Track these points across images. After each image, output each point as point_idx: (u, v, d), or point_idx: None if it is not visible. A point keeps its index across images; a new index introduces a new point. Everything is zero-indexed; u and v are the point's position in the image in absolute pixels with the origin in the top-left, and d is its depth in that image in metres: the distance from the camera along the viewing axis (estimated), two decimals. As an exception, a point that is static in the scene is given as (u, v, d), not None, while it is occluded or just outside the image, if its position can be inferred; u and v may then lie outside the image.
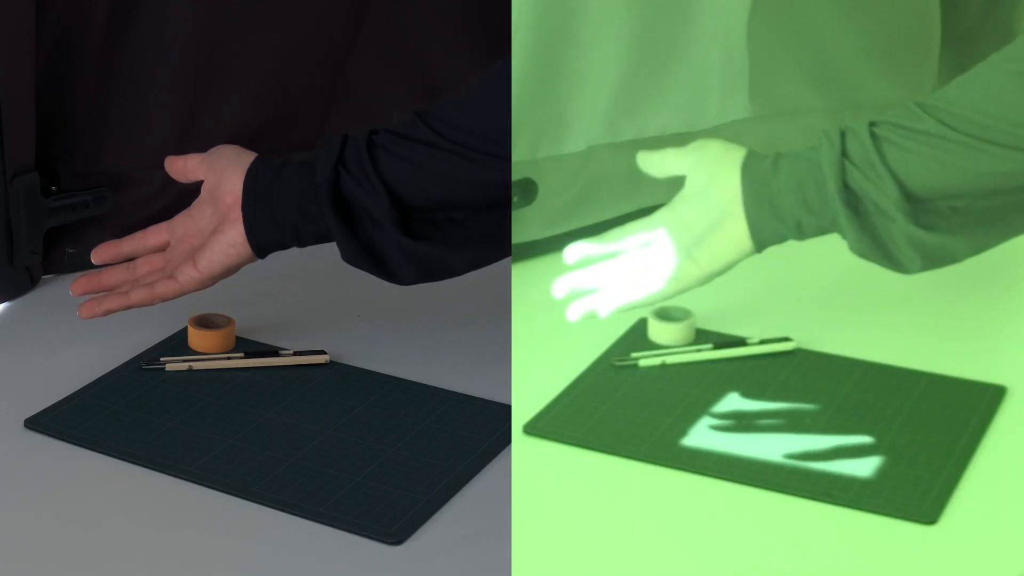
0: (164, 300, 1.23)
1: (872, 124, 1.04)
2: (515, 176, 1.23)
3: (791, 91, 1.37)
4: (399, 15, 1.52)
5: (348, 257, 1.19)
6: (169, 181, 1.44)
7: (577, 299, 1.10)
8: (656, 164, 1.13)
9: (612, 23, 1.24)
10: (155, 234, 1.27)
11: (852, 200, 1.04)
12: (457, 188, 1.18)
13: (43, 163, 1.38)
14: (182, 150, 1.45)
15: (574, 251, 1.11)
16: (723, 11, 1.28)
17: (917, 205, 1.03)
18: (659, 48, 1.27)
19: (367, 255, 1.19)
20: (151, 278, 1.24)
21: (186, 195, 1.28)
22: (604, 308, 1.10)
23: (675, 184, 1.29)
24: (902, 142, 1.03)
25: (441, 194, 1.18)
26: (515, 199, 1.24)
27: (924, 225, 1.03)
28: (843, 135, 1.04)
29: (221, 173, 1.23)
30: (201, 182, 1.26)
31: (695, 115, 1.31)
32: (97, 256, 1.27)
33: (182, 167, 1.27)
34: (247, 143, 1.47)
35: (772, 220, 1.06)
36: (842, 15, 1.37)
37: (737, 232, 1.07)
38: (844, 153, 1.04)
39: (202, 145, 1.45)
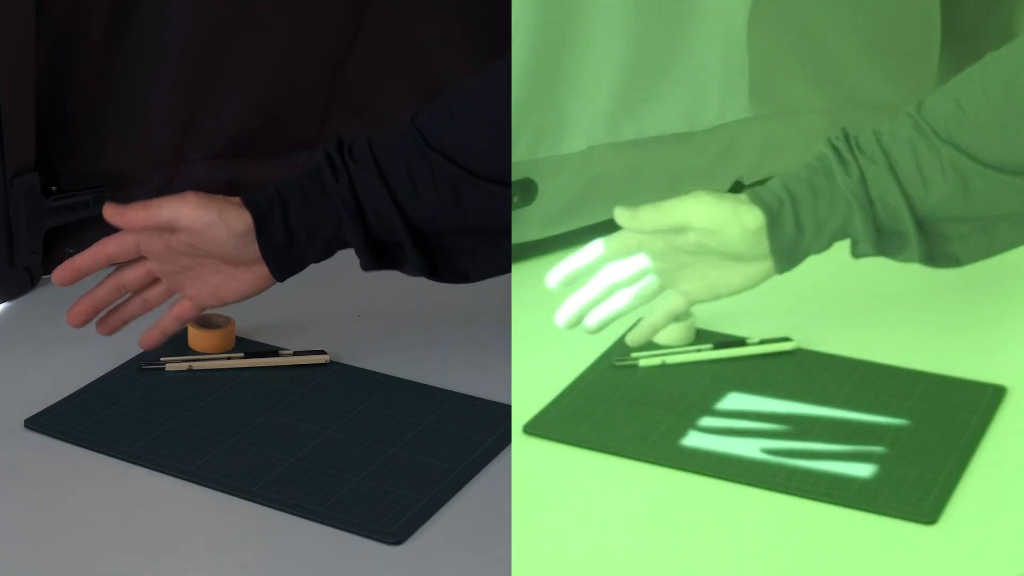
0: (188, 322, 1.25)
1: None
2: (515, 176, 1.23)
3: (791, 91, 1.37)
4: (399, 15, 1.52)
5: (367, 265, 1.19)
6: (169, 181, 1.45)
7: (590, 310, 1.09)
8: (648, 220, 1.06)
9: (612, 23, 1.24)
10: (114, 241, 1.20)
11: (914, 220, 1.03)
12: (487, 219, 1.17)
13: (43, 163, 1.38)
14: (182, 150, 1.45)
15: (555, 276, 1.08)
16: (723, 11, 1.28)
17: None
18: (659, 48, 1.27)
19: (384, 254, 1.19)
20: (152, 293, 1.23)
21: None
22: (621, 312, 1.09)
23: (676, 182, 1.29)
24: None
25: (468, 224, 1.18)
26: (515, 199, 1.24)
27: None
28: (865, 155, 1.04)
29: (206, 209, 1.16)
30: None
31: (695, 115, 1.31)
32: (59, 276, 1.20)
33: (144, 217, 1.17)
34: (247, 143, 1.48)
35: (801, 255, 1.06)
36: (842, 15, 1.37)
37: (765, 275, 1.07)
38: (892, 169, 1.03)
39: (202, 145, 1.46)
